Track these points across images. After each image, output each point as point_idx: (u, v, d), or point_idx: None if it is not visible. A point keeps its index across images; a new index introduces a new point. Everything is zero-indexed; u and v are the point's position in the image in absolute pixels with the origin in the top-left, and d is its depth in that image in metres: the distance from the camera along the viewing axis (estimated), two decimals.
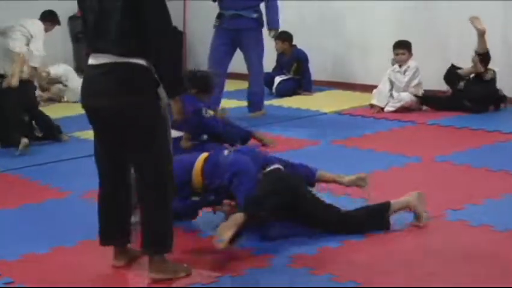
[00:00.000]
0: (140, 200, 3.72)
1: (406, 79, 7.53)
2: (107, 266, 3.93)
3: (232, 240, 3.82)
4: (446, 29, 8.09)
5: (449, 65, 7.60)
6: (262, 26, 7.63)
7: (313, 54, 8.94)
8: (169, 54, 3.64)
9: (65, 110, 8.26)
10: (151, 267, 3.70)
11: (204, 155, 4.39)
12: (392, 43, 7.76)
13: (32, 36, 7.26)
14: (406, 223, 4.34)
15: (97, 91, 3.64)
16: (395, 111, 7.50)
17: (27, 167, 6.14)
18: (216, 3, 7.67)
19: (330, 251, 3.98)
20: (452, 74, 7.50)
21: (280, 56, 9.07)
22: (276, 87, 8.90)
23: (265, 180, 4.19)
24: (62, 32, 9.27)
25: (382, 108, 7.60)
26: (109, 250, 3.92)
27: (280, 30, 8.95)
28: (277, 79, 8.94)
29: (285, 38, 8.91)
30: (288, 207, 4.11)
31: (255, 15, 7.51)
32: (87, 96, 3.72)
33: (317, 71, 9.02)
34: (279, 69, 9.08)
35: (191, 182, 4.28)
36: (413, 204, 4.27)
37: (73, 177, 5.85)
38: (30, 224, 4.59)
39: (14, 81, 6.77)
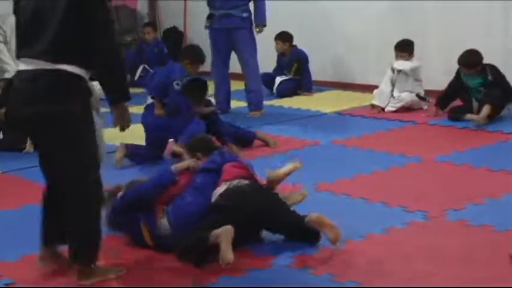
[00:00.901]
0: (66, 210, 3.66)
1: (408, 67, 7.50)
2: (109, 266, 3.93)
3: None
4: (447, 29, 8.08)
5: (450, 65, 7.57)
6: (252, 24, 7.64)
7: (314, 54, 8.94)
8: (110, 60, 3.54)
9: None
10: (78, 275, 3.69)
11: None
12: (392, 43, 7.76)
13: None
14: (406, 223, 4.34)
15: (23, 99, 3.52)
16: (396, 111, 7.50)
17: (28, 168, 6.13)
18: (205, 2, 7.68)
19: (330, 252, 3.98)
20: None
21: (280, 56, 9.08)
22: (277, 88, 8.91)
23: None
24: None
25: (383, 109, 7.60)
26: (113, 251, 3.93)
27: (280, 30, 9.00)
28: (278, 79, 8.95)
29: (285, 38, 8.92)
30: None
31: (244, 15, 7.51)
32: (14, 106, 3.60)
33: (317, 71, 9.02)
34: (279, 69, 9.09)
35: None
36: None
37: None
38: (31, 225, 4.57)
39: None
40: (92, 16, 3.45)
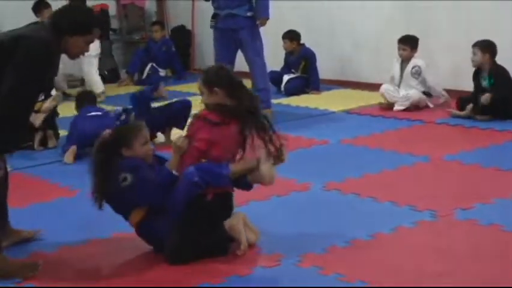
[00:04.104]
0: None
1: (418, 84, 7.53)
2: (117, 264, 3.95)
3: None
4: (455, 29, 8.06)
5: (458, 65, 7.57)
6: (257, 22, 7.54)
7: (322, 53, 8.93)
8: (11, 111, 3.65)
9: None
10: None
11: None
12: None
13: None
14: (414, 222, 4.34)
15: None
16: (404, 110, 7.49)
17: (37, 166, 6.17)
18: (210, 2, 7.66)
19: (338, 251, 3.98)
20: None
21: (288, 55, 9.07)
22: (284, 86, 8.91)
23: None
24: None
25: (391, 105, 7.59)
26: (120, 249, 3.93)
27: (288, 29, 8.99)
28: (286, 78, 8.94)
29: (293, 37, 8.92)
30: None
31: (248, 14, 7.42)
32: None
33: (325, 69, 9.01)
34: (287, 68, 9.08)
35: None
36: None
37: (83, 175, 5.85)
38: (39, 222, 4.60)
39: None
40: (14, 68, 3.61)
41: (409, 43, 7.61)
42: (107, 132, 4.08)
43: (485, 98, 6.83)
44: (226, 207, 3.99)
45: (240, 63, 7.79)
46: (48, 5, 8.97)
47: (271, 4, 7.57)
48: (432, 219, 4.40)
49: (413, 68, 7.56)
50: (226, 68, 4.15)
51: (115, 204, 4.02)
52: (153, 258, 3.99)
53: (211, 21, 7.66)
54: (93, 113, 6.50)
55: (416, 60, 7.59)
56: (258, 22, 7.47)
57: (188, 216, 3.87)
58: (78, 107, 6.77)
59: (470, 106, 6.96)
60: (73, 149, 6.20)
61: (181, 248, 3.86)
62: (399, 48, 7.63)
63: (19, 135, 3.91)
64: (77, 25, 3.82)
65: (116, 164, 3.94)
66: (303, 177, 5.33)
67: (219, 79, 3.99)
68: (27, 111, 3.84)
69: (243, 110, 3.96)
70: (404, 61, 7.63)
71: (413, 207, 4.60)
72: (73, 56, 3.95)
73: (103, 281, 3.80)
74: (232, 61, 7.69)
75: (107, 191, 3.95)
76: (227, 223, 3.91)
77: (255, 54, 7.60)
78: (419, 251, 3.96)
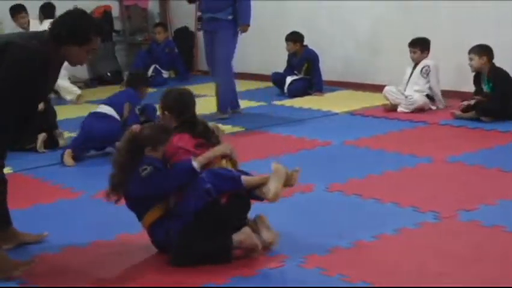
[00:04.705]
0: None
1: (426, 84, 7.55)
2: (121, 265, 3.95)
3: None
4: (457, 29, 8.05)
5: (461, 65, 7.56)
6: (237, 26, 7.54)
7: (324, 54, 8.93)
8: None
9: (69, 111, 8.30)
10: None
11: None
12: (403, 43, 7.75)
13: None
14: (418, 223, 4.33)
15: None
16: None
17: (40, 167, 6.17)
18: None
19: (341, 252, 3.98)
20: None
21: (291, 56, 9.07)
22: (288, 88, 8.91)
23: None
24: None
25: (395, 106, 7.59)
26: (123, 250, 3.93)
27: (291, 31, 8.98)
28: (289, 79, 8.94)
29: (296, 38, 8.91)
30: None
31: (229, 17, 7.44)
32: None
33: (328, 71, 9.00)
34: (289, 69, 9.08)
35: None
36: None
37: (85, 177, 5.87)
38: (42, 224, 4.60)
39: None
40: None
41: (419, 45, 7.62)
42: (136, 127, 4.14)
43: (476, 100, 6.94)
44: (240, 210, 4.02)
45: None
46: (21, 10, 8.98)
47: (252, 6, 7.54)
48: (436, 221, 4.39)
49: (423, 67, 7.57)
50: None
51: (133, 201, 4.03)
52: (157, 259, 3.99)
53: (198, 23, 7.70)
54: (102, 111, 6.48)
55: (427, 61, 7.60)
56: (238, 29, 7.48)
57: (200, 220, 3.88)
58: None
59: (466, 102, 7.01)
60: (68, 151, 6.22)
61: (187, 251, 3.86)
62: (410, 51, 7.66)
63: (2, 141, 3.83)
64: (74, 35, 3.80)
65: (139, 159, 3.97)
66: (306, 178, 5.28)
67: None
68: (12, 115, 3.76)
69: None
70: (416, 64, 7.64)
71: (416, 208, 4.60)
72: (74, 64, 3.99)
73: (107, 282, 3.81)
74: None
75: (127, 184, 3.96)
76: (236, 237, 3.89)
77: (220, 56, 7.52)
78: (422, 252, 3.96)
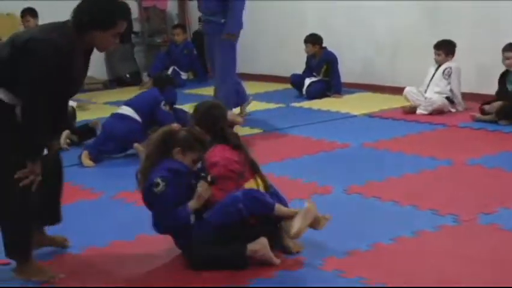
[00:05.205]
0: None
1: (447, 86, 7.53)
2: (141, 266, 3.97)
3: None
4: (478, 30, 8.02)
5: (481, 67, 7.54)
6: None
7: (343, 56, 8.92)
8: (30, 118, 3.60)
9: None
10: (16, 269, 3.87)
11: None
12: (423, 44, 7.73)
13: None
14: (436, 226, 4.32)
15: None
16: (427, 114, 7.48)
17: None
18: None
19: (360, 254, 3.98)
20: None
21: (309, 58, 9.07)
22: (306, 90, 8.91)
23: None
24: None
25: (414, 108, 7.57)
26: (144, 251, 3.95)
27: (309, 32, 8.98)
28: (307, 81, 8.95)
29: (315, 40, 8.91)
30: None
31: (223, 21, 7.23)
32: None
33: (347, 73, 9.00)
34: (308, 71, 9.08)
35: None
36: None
37: (105, 178, 5.90)
38: (62, 224, 4.62)
39: None
40: (25, 72, 3.58)
41: (443, 48, 7.60)
42: (177, 125, 4.13)
43: (491, 106, 6.87)
44: (266, 234, 3.95)
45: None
46: (25, 14, 8.97)
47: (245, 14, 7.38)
48: (455, 224, 4.38)
49: (445, 69, 7.56)
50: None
51: (145, 204, 4.04)
52: (177, 261, 4.01)
53: (199, 24, 7.69)
54: (123, 112, 6.51)
55: (450, 63, 7.58)
56: (222, 36, 7.22)
57: (223, 231, 3.89)
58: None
59: (494, 106, 6.95)
60: (85, 153, 6.27)
61: (202, 254, 3.87)
62: (434, 53, 7.65)
63: (40, 136, 3.73)
64: (98, 20, 3.66)
65: (165, 156, 3.97)
66: (324, 180, 5.33)
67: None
68: (44, 107, 3.65)
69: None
70: (440, 65, 7.63)
71: (435, 211, 4.59)
72: (102, 50, 3.87)
73: (127, 283, 3.83)
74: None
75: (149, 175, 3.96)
76: (250, 246, 3.86)
77: (219, 65, 7.40)
78: (441, 255, 3.95)
